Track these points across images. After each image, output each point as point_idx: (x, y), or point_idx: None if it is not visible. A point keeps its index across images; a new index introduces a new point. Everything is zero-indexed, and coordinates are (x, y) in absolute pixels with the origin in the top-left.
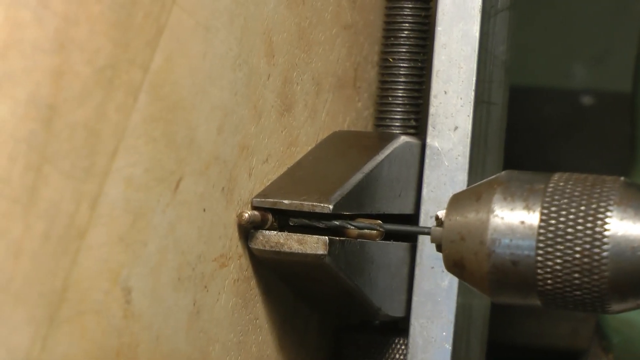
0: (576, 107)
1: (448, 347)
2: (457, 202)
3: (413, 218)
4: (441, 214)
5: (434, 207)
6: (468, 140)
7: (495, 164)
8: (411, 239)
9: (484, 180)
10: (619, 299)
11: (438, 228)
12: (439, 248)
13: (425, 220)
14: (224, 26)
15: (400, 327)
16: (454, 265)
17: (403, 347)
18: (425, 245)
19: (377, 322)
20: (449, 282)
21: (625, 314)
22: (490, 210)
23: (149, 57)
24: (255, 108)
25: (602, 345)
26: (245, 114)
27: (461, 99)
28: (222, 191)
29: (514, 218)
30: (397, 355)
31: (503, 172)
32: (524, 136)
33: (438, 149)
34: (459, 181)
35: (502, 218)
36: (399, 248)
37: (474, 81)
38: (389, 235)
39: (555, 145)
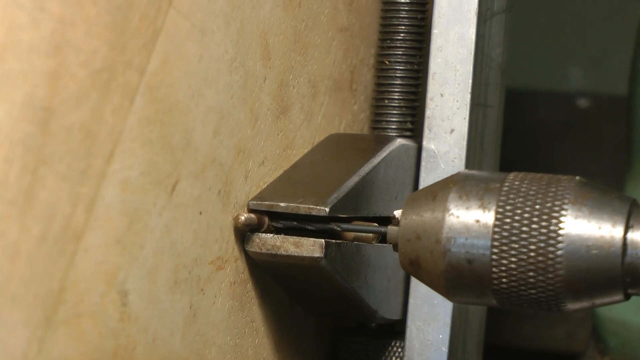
0: (572, 109)
1: (444, 349)
2: (413, 201)
3: None
4: (397, 213)
5: None
6: (464, 143)
7: (492, 167)
8: None
9: (440, 180)
10: (573, 297)
11: (394, 227)
12: (395, 247)
13: None
14: (220, 29)
15: (396, 329)
16: (410, 264)
17: (399, 349)
18: None
19: (373, 324)
20: None
21: (622, 316)
22: (445, 209)
23: (145, 60)
24: (251, 111)
25: (599, 348)
26: (241, 117)
27: (457, 101)
28: (218, 194)
29: (469, 217)
30: (394, 358)
31: (459, 172)
32: (520, 139)
33: (434, 152)
34: None
35: (458, 217)
36: None
37: (470, 84)
38: (385, 238)
39: (552, 148)
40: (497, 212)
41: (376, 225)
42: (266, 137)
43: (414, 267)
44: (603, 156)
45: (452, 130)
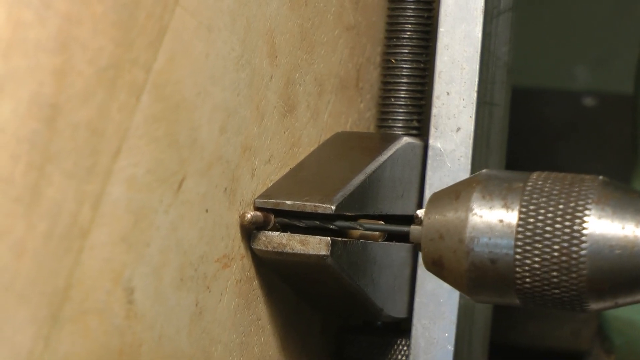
0: (578, 108)
1: (450, 348)
2: (436, 200)
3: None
4: (420, 212)
5: None
6: (470, 142)
7: (498, 165)
8: None
9: (463, 179)
10: (596, 297)
11: (417, 227)
12: (418, 247)
13: None
14: (227, 27)
15: (402, 328)
16: (433, 264)
17: (405, 348)
18: None
19: (379, 323)
20: None
21: (627, 315)
22: (469, 209)
23: (151, 57)
24: (257, 109)
25: (604, 346)
26: (247, 115)
27: (463, 100)
28: (224, 192)
29: (492, 216)
30: (399, 356)
31: (482, 171)
32: (526, 137)
33: (440, 150)
34: None
35: (481, 216)
36: (402, 249)
37: (476, 82)
38: (391, 236)
39: (557, 147)
40: (520, 212)
41: (399, 225)
42: (272, 135)
43: (437, 267)
44: (608, 155)
45: (459, 129)
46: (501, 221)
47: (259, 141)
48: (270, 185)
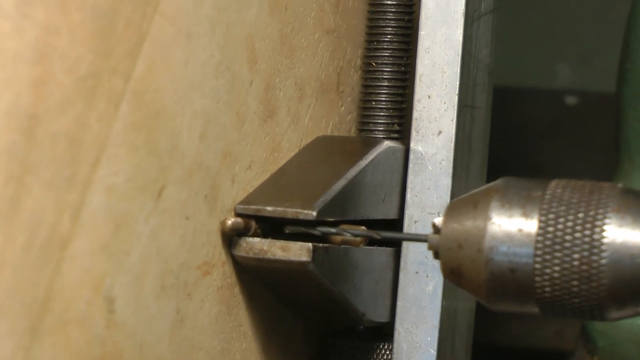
0: (561, 107)
1: (433, 352)
2: (454, 209)
3: (397, 223)
4: (438, 221)
5: (418, 211)
6: (452, 145)
7: (480, 168)
8: (395, 245)
9: (481, 187)
10: (617, 306)
11: (435, 235)
12: (436, 255)
13: (410, 225)
14: (206, 33)
15: (384, 332)
16: (452, 273)
17: (388, 352)
18: (409, 251)
19: (361, 327)
20: (434, 287)
21: None
22: (487, 218)
23: (130, 66)
24: (238, 115)
25: (588, 347)
26: (227, 121)
27: (445, 103)
28: (205, 199)
29: (511, 225)
30: None
31: (500, 180)
32: (509, 137)
33: (422, 154)
34: (443, 186)
35: (500, 225)
36: (383, 253)
37: (457, 85)
38: (372, 241)
39: (540, 146)
40: (540, 221)
41: (418, 234)
42: (253, 141)
43: (456, 276)
44: (592, 154)
45: (440, 132)
46: (520, 230)
47: (240, 147)
48: (251, 191)
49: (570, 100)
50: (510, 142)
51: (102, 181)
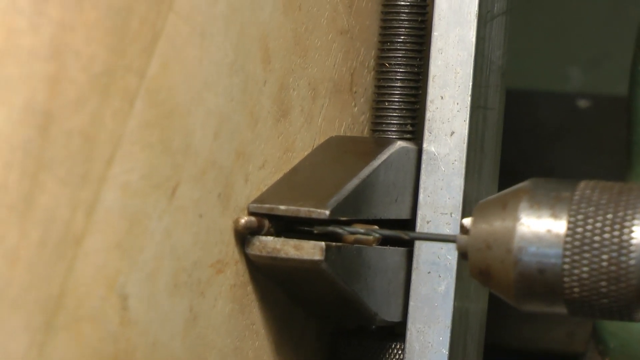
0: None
1: (445, 352)
2: (483, 210)
3: (410, 223)
4: (466, 222)
5: (430, 212)
6: (464, 145)
7: (492, 169)
8: (408, 244)
9: (510, 188)
10: None
11: (464, 236)
12: (464, 256)
13: (422, 225)
14: (220, 32)
15: (397, 332)
16: (480, 274)
17: (400, 352)
18: (422, 251)
19: (373, 327)
20: (446, 287)
21: None
22: (516, 219)
23: (145, 64)
24: (251, 114)
25: (599, 349)
26: (241, 120)
27: (457, 104)
28: (218, 197)
29: (540, 226)
30: None
31: (528, 181)
32: (520, 140)
33: (434, 154)
34: (456, 186)
35: (529, 226)
36: (396, 253)
37: (470, 86)
38: (385, 241)
39: (551, 149)
40: (568, 222)
41: (447, 234)
42: (266, 140)
43: (484, 277)
44: (603, 157)
45: (453, 133)
46: (549, 231)
47: (253, 146)
48: (264, 190)
49: (582, 103)
50: (521, 145)
51: (116, 178)
